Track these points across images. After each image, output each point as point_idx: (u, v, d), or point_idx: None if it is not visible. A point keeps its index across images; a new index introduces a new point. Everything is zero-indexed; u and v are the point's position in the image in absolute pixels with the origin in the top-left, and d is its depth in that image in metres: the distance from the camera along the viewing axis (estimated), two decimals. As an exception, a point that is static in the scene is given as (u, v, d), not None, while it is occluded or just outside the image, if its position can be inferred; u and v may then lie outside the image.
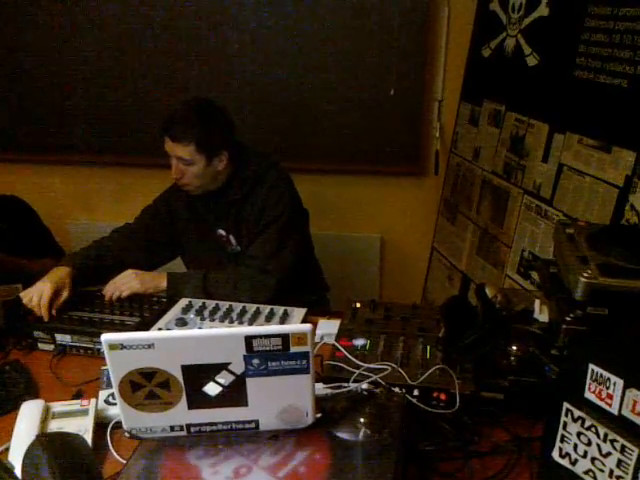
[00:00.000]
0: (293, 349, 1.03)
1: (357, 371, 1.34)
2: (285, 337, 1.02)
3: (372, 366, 1.36)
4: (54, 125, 3.12)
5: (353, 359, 1.40)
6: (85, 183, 3.28)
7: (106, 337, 1.01)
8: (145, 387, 1.05)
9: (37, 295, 1.71)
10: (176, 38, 2.89)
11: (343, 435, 1.13)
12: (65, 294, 1.77)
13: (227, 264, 2.10)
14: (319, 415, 1.14)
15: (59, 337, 1.65)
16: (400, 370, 1.35)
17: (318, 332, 1.65)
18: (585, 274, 1.17)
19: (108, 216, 3.28)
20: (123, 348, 1.01)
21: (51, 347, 1.66)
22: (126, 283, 1.86)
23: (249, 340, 1.02)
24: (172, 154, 1.92)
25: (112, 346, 1.01)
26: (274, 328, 1.04)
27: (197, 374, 1.05)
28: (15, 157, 3.24)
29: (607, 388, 0.92)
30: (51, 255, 2.36)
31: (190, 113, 1.91)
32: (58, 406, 1.35)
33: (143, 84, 2.99)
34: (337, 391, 1.26)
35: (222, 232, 2.10)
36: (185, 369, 1.04)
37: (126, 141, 3.10)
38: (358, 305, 1.69)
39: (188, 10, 2.83)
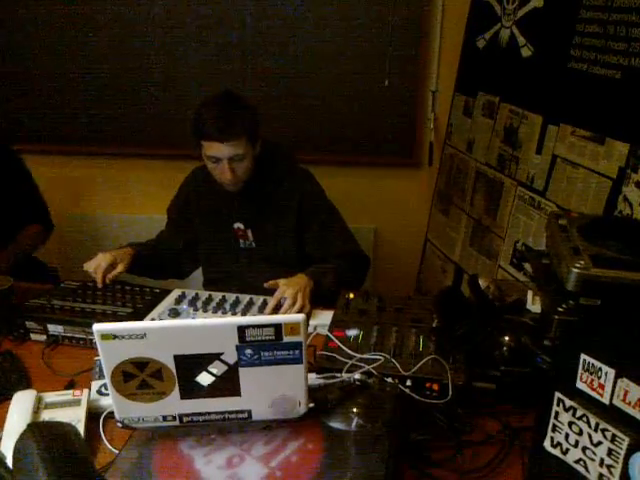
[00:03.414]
0: (286, 339, 1.03)
1: (350, 361, 1.34)
2: (278, 327, 1.02)
3: (365, 356, 1.36)
4: (41, 114, 3.10)
5: (346, 349, 1.40)
6: (73, 173, 3.27)
7: (98, 327, 1.00)
8: (137, 377, 1.05)
9: (96, 263, 1.84)
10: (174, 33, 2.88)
11: (336, 425, 1.13)
12: (120, 268, 1.87)
13: (237, 259, 2.10)
14: (312, 405, 1.14)
15: (51, 327, 1.63)
16: (393, 360, 1.35)
17: (311, 323, 1.65)
18: (577, 265, 1.17)
19: (101, 208, 3.28)
20: (115, 338, 1.01)
21: (43, 337, 1.65)
22: (303, 287, 1.78)
23: (242, 330, 1.02)
24: (222, 156, 1.84)
25: (104, 336, 1.01)
26: (267, 318, 1.04)
27: (189, 364, 1.05)
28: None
29: (599, 378, 0.92)
30: (39, 223, 2.33)
31: (226, 108, 1.85)
32: (50, 396, 1.34)
33: (144, 77, 2.97)
34: (330, 381, 1.26)
35: (240, 226, 2.07)
36: (177, 359, 1.04)
37: (118, 132, 3.09)
38: (351, 296, 1.69)
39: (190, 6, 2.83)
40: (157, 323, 1.20)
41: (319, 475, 1.02)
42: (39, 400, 1.32)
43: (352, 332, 1.49)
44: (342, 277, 1.93)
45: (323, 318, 1.64)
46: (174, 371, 1.05)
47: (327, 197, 2.11)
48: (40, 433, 0.63)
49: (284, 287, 1.75)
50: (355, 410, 1.15)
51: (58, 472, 0.56)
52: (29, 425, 0.69)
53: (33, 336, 1.66)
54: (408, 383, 1.31)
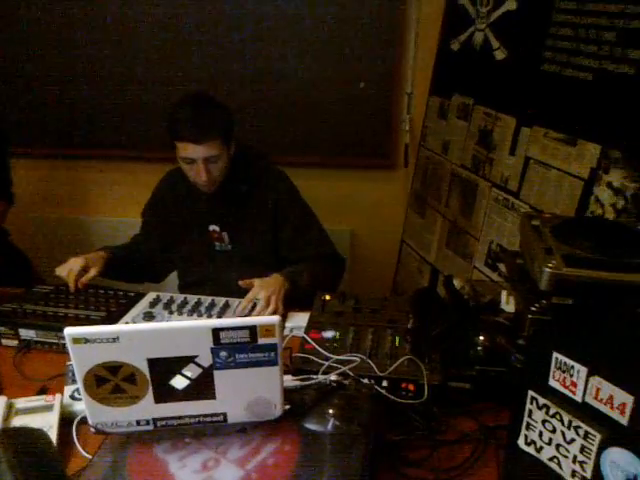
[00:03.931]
0: (261, 341, 1.03)
1: (326, 363, 1.34)
2: (253, 329, 1.02)
3: (341, 358, 1.36)
4: (23, 117, 3.05)
5: (322, 351, 1.40)
6: (53, 176, 3.23)
7: (69, 331, 0.99)
8: (110, 381, 1.04)
9: (68, 267, 1.81)
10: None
11: (312, 427, 1.13)
12: (93, 272, 1.84)
13: (213, 261, 2.08)
14: (288, 407, 1.13)
15: (23, 332, 1.61)
16: (369, 361, 1.35)
17: (287, 325, 1.64)
18: (550, 265, 1.19)
19: (81, 211, 3.25)
20: (87, 342, 0.99)
21: (15, 343, 1.63)
22: (277, 290, 1.78)
23: (216, 332, 1.01)
24: (197, 157, 1.83)
25: (75, 340, 0.99)
26: (241, 320, 1.03)
27: (163, 367, 1.04)
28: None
29: (571, 376, 0.93)
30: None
31: (201, 109, 1.85)
32: (22, 402, 1.32)
33: (129, 78, 2.95)
34: (306, 383, 1.25)
35: (216, 228, 2.06)
36: (151, 362, 1.03)
37: (100, 134, 3.07)
38: (327, 297, 1.69)
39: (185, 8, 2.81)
40: (130, 326, 1.19)
41: (296, 477, 1.02)
42: (10, 406, 1.30)
43: (328, 334, 1.49)
44: (317, 278, 1.93)
45: (299, 320, 1.64)
46: (148, 375, 1.04)
47: (302, 198, 2.11)
48: (9, 440, 0.62)
49: (258, 288, 1.75)
50: (331, 411, 1.15)
51: (26, 476, 0.55)
52: (-2, 431, 0.68)
53: (4, 341, 1.64)
54: (384, 384, 1.31)
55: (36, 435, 0.62)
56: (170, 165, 2.08)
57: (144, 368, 1.03)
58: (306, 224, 2.07)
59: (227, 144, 1.89)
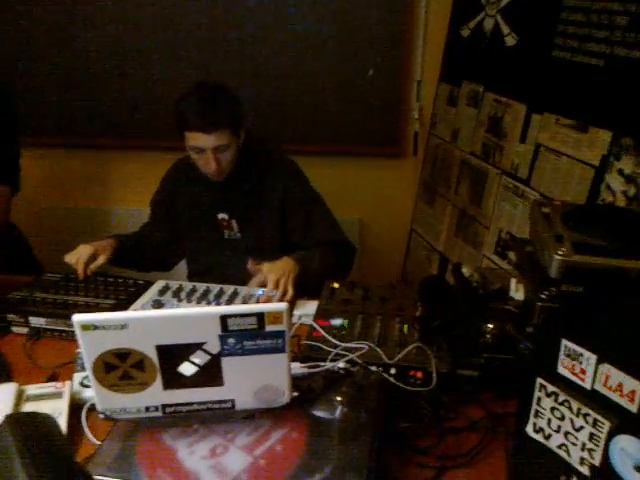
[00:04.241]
0: (269, 328, 1.03)
1: (334, 350, 1.34)
2: (260, 316, 1.02)
3: (349, 345, 1.36)
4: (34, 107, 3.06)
5: (330, 338, 1.40)
6: (54, 166, 3.24)
7: (78, 318, 0.99)
8: (119, 368, 1.04)
9: (77, 254, 1.83)
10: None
11: (320, 414, 1.13)
12: (102, 260, 1.86)
13: (222, 250, 2.08)
14: (295, 394, 1.14)
15: (33, 320, 1.62)
16: (377, 349, 1.35)
17: (296, 313, 1.64)
18: (560, 252, 1.18)
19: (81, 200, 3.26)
20: (96, 329, 1.00)
21: (25, 330, 1.63)
22: (287, 272, 1.78)
23: (224, 319, 1.02)
24: (206, 146, 1.82)
25: (84, 327, 0.99)
26: (249, 307, 1.03)
27: (172, 354, 1.04)
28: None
29: (580, 363, 0.93)
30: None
31: (211, 99, 1.83)
32: (32, 389, 1.33)
33: (124, 68, 2.95)
34: (314, 370, 1.26)
35: (225, 216, 2.06)
36: (160, 349, 1.03)
37: (101, 124, 3.07)
38: (336, 285, 1.69)
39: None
40: (138, 313, 1.19)
41: (303, 463, 1.02)
42: (21, 393, 1.31)
43: (337, 321, 1.49)
44: (328, 263, 1.93)
45: (307, 308, 1.64)
46: (156, 361, 1.04)
47: (312, 186, 2.11)
48: (16, 425, 0.62)
49: (267, 272, 1.75)
50: (339, 399, 1.15)
51: (35, 462, 0.55)
52: (6, 417, 0.68)
53: (15, 329, 1.65)
54: (392, 371, 1.31)
55: (44, 420, 0.62)
56: (179, 154, 2.08)
57: (153, 355, 1.03)
58: (316, 212, 2.07)
59: (236, 133, 1.88)
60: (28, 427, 0.61)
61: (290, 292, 1.74)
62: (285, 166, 2.07)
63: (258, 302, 1.69)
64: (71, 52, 2.95)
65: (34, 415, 0.66)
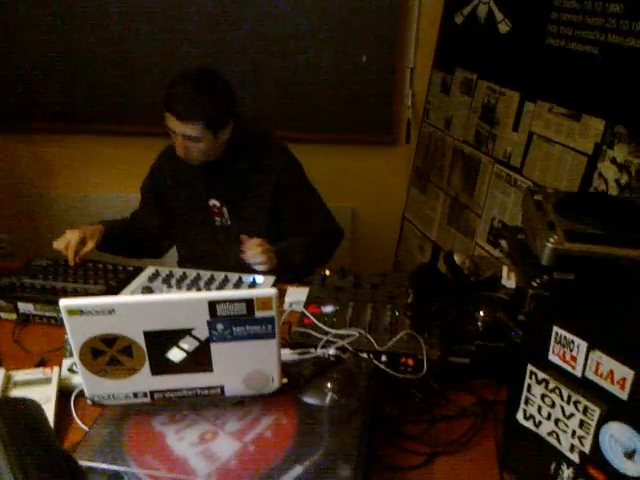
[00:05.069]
0: (258, 314, 1.02)
1: (325, 337, 1.33)
2: (249, 302, 1.01)
3: (340, 332, 1.36)
4: (10, 91, 3.02)
5: (321, 325, 1.39)
6: (43, 151, 3.20)
7: (64, 302, 0.98)
8: (106, 353, 1.03)
9: (65, 240, 1.81)
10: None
11: (310, 400, 1.12)
12: (90, 245, 1.84)
13: (213, 237, 2.07)
14: (285, 380, 1.13)
15: (22, 306, 1.61)
16: (368, 336, 1.35)
17: (287, 300, 1.64)
18: (551, 239, 1.17)
19: (72, 187, 3.23)
20: (82, 314, 0.98)
21: (14, 316, 1.62)
22: (258, 256, 1.82)
23: (213, 305, 1.01)
24: (177, 131, 1.82)
25: (71, 312, 0.98)
26: (238, 293, 1.02)
27: (160, 340, 1.03)
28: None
29: (571, 350, 0.92)
30: None
31: (195, 90, 1.81)
32: (20, 375, 1.32)
33: (118, 54, 2.91)
34: (304, 357, 1.25)
35: (216, 203, 2.04)
36: (147, 335, 1.02)
37: (91, 108, 3.03)
38: (327, 273, 1.68)
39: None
40: (126, 298, 1.18)
41: (293, 449, 1.01)
42: (8, 378, 1.30)
43: (327, 309, 1.48)
44: (313, 253, 1.96)
45: (298, 295, 1.63)
46: (144, 347, 1.03)
47: (305, 174, 2.09)
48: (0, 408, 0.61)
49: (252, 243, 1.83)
50: (329, 385, 1.14)
51: (16, 446, 0.54)
52: (-10, 401, 0.67)
53: (3, 315, 1.64)
54: (383, 358, 1.31)
55: (28, 404, 0.61)
56: (170, 140, 2.06)
57: (140, 340, 1.02)
58: (308, 200, 2.06)
59: (212, 129, 1.84)
60: (11, 411, 0.60)
61: (267, 263, 1.81)
62: (278, 153, 2.05)
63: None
64: (67, 39, 2.91)
65: (18, 400, 0.65)
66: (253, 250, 1.81)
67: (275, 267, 1.84)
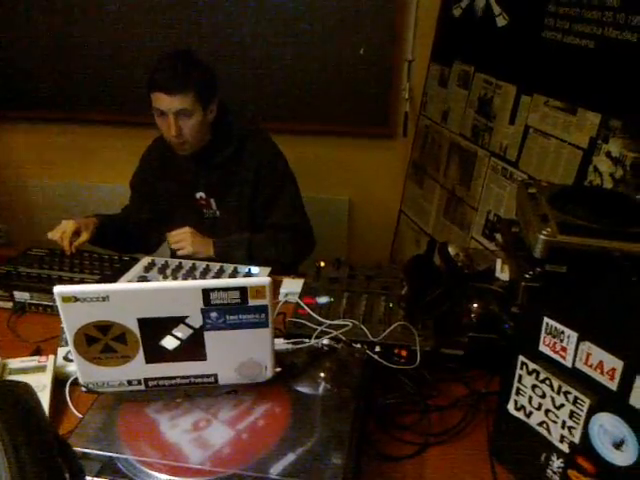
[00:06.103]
0: (251, 302, 1.02)
1: (319, 327, 1.34)
2: (243, 290, 1.01)
3: (334, 322, 1.36)
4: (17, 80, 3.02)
5: (316, 316, 1.39)
6: (36, 140, 3.20)
7: (59, 289, 0.98)
8: (100, 341, 1.04)
9: (61, 230, 1.83)
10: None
11: (302, 389, 1.13)
12: (85, 237, 1.86)
13: (202, 230, 2.07)
14: (279, 370, 1.14)
15: (17, 294, 1.61)
16: (362, 327, 1.35)
17: (282, 291, 1.64)
18: (544, 232, 1.18)
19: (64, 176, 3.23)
20: (77, 301, 0.99)
21: (9, 305, 1.63)
22: (182, 242, 1.90)
23: (207, 293, 1.01)
24: (168, 109, 1.82)
25: (65, 298, 0.99)
26: (232, 281, 1.02)
27: (154, 327, 1.04)
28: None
29: (561, 341, 0.93)
30: None
31: (182, 62, 1.83)
32: (15, 362, 1.33)
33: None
34: (298, 346, 1.26)
35: (202, 195, 2.05)
36: (142, 322, 1.03)
37: (84, 98, 3.03)
38: (322, 264, 1.68)
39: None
40: (120, 285, 1.19)
41: (285, 438, 1.02)
42: (4, 366, 1.31)
43: (322, 299, 1.49)
44: (259, 251, 1.95)
45: (293, 286, 1.63)
46: (138, 335, 1.04)
47: (286, 164, 2.08)
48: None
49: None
50: (322, 375, 1.15)
51: (8, 428, 0.55)
52: (-19, 385, 0.67)
53: (-1, 303, 1.64)
54: (377, 349, 1.31)
55: (21, 388, 0.62)
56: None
57: (134, 328, 1.03)
58: (280, 191, 2.03)
59: (203, 102, 1.86)
60: (3, 394, 0.61)
61: (184, 248, 1.88)
62: (259, 142, 2.04)
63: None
64: (63, 29, 2.91)
65: (9, 383, 0.66)
66: (177, 236, 1.89)
67: (202, 254, 1.89)
